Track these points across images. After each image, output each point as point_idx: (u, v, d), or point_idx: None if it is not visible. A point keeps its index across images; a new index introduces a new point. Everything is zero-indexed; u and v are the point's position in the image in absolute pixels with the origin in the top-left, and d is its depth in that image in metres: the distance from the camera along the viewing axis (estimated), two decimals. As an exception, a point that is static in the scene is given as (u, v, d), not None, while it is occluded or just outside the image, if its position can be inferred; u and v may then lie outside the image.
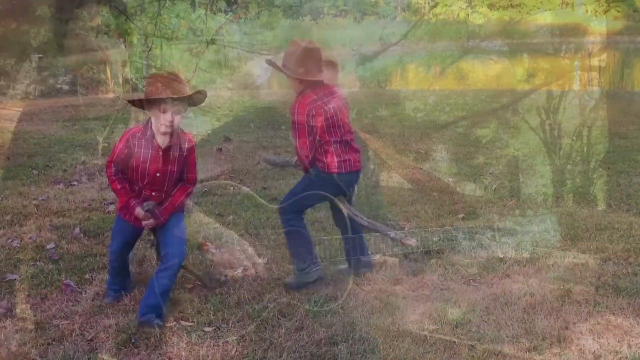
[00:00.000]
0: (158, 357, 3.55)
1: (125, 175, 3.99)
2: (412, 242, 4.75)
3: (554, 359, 3.47)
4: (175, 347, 3.62)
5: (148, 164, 3.91)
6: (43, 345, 3.64)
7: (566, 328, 3.78)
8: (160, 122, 3.82)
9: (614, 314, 3.94)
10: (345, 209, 4.51)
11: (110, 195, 6.64)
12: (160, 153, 3.92)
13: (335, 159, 4.31)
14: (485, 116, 12.05)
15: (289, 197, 4.44)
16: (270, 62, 4.54)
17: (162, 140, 3.91)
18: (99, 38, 16.52)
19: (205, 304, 4.13)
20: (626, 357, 3.46)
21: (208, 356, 3.55)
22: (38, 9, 15.04)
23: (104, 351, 3.55)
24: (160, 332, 3.76)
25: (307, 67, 4.24)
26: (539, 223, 5.59)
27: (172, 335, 3.74)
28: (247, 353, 3.56)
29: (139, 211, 3.95)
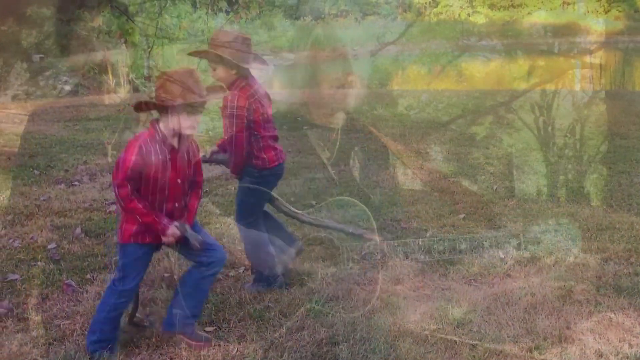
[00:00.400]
0: (159, 357, 3.55)
1: (139, 191, 3.46)
2: (373, 236, 4.68)
3: (555, 359, 3.47)
4: (176, 347, 3.62)
5: (168, 172, 3.47)
6: (44, 345, 3.64)
7: (567, 328, 3.78)
8: (187, 124, 3.41)
9: (615, 313, 3.94)
10: (285, 207, 4.48)
11: (111, 195, 6.64)
12: (177, 156, 3.50)
13: (272, 152, 4.26)
14: (486, 116, 12.04)
15: (244, 207, 4.34)
16: (196, 53, 4.38)
17: (175, 143, 3.49)
18: (101, 38, 16.52)
19: (206, 303, 4.13)
20: (627, 357, 3.46)
21: (209, 356, 3.55)
22: (40, 9, 15.06)
23: (105, 351, 3.55)
24: (162, 331, 3.76)
25: (243, 55, 4.11)
26: (543, 224, 5.60)
27: (174, 335, 3.74)
28: (248, 353, 3.56)
29: (173, 230, 3.45)
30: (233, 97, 4.08)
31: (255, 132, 4.17)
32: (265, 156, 4.23)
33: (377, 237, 4.75)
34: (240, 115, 4.08)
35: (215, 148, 4.38)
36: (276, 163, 4.29)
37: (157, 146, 3.43)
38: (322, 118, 10.99)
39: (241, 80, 4.14)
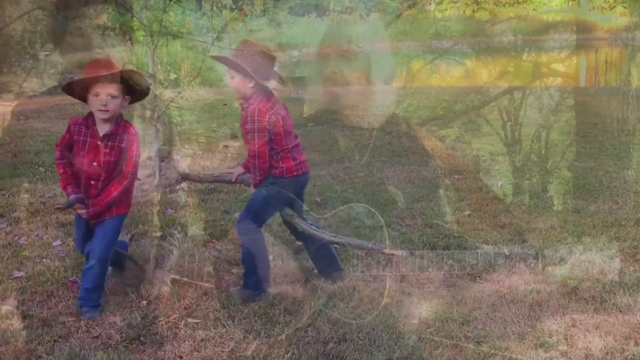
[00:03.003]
0: (164, 354, 3.56)
1: (71, 162, 4.11)
2: (397, 252, 4.62)
3: (560, 357, 3.46)
4: (181, 344, 3.62)
5: (86, 152, 4.00)
6: (49, 342, 3.65)
7: (573, 325, 3.77)
8: (95, 106, 3.94)
9: (620, 311, 3.92)
10: (301, 226, 4.37)
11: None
12: (98, 142, 3.98)
13: (291, 163, 4.25)
14: (490, 112, 12.02)
15: (251, 211, 4.29)
16: (218, 58, 4.40)
17: (101, 129, 3.98)
18: (105, 35, 16.55)
19: (211, 300, 4.14)
20: (633, 355, 3.45)
21: (214, 353, 3.55)
22: (44, 6, 15.09)
23: (110, 348, 3.56)
24: (167, 328, 3.77)
25: (263, 70, 4.15)
26: (546, 221, 5.58)
27: (178, 332, 3.75)
28: (253, 350, 3.55)
29: (67, 200, 4.01)
30: (253, 111, 4.12)
31: (276, 146, 4.19)
32: (283, 166, 4.24)
33: (399, 252, 4.67)
34: (262, 128, 4.11)
35: (240, 169, 4.49)
36: (294, 173, 4.28)
37: (84, 128, 4.16)
38: (327, 115, 10.98)
39: (259, 94, 4.17)
